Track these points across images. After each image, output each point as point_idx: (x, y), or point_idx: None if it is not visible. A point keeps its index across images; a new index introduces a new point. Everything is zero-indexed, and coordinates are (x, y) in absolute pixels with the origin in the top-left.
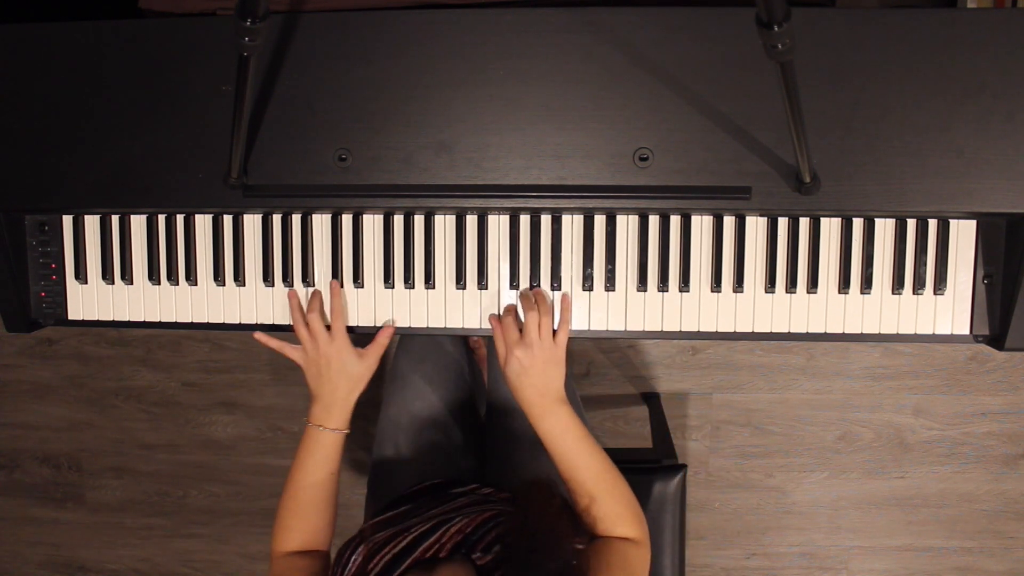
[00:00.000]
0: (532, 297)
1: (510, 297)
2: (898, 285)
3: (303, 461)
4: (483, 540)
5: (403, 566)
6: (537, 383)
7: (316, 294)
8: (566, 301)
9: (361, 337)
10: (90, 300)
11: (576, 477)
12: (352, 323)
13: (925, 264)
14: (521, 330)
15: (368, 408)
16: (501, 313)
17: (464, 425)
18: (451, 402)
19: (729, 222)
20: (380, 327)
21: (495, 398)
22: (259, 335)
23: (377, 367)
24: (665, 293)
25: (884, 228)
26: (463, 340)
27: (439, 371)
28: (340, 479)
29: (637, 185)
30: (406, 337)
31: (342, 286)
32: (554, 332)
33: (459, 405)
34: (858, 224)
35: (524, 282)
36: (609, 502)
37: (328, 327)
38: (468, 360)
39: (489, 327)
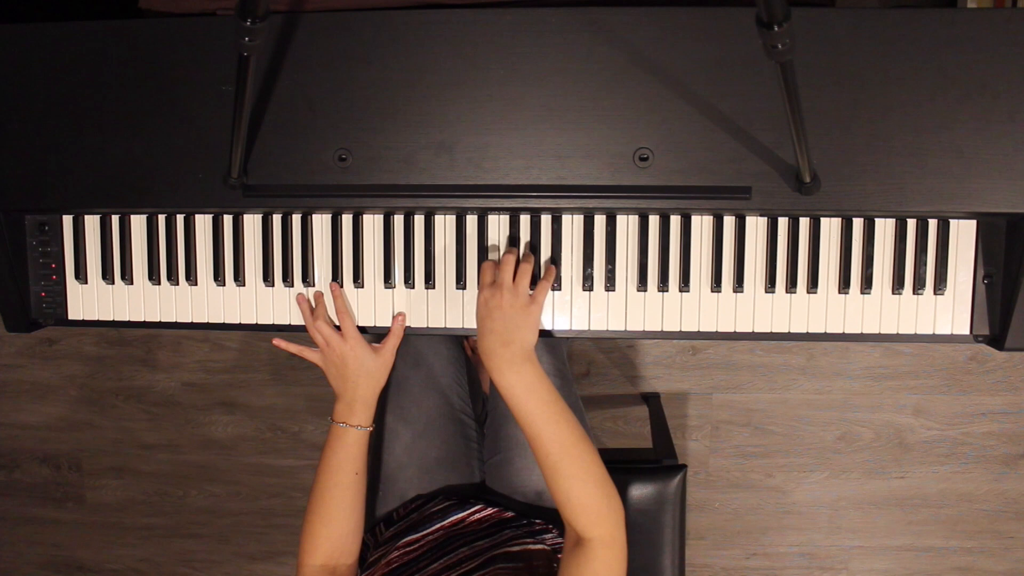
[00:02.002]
0: (517, 251)
1: None
2: (898, 285)
3: (328, 461)
4: None
5: None
6: (499, 329)
7: (319, 300)
8: (551, 266)
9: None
10: (90, 300)
11: (541, 448)
12: None
13: (925, 264)
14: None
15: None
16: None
17: (462, 428)
18: (448, 406)
19: (729, 222)
20: (382, 325)
21: (495, 402)
22: (277, 341)
23: (394, 360)
24: (665, 293)
25: (884, 228)
26: (459, 342)
27: (435, 376)
28: None
29: (637, 185)
30: (402, 340)
31: (342, 286)
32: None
33: (457, 409)
34: (858, 224)
35: None
36: (577, 483)
37: (338, 328)
38: (466, 363)
39: None
